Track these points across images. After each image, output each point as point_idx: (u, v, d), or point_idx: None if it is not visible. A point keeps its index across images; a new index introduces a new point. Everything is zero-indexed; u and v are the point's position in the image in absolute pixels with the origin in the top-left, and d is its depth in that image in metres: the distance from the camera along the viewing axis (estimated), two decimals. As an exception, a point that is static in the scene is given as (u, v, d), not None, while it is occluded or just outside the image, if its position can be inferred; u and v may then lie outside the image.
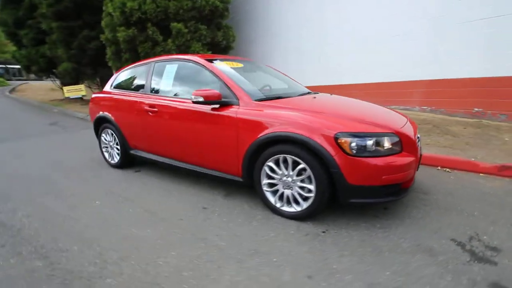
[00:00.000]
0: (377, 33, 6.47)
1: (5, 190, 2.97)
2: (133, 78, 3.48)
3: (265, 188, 2.28)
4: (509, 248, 1.76)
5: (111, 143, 3.60)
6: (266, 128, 2.14)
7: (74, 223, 2.23)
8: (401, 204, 2.37)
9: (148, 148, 3.15)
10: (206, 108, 2.51)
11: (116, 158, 3.58)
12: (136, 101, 3.11)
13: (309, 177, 2.04)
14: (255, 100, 2.34)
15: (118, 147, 3.49)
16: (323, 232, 2.01)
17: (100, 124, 3.69)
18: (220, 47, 9.25)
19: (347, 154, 1.89)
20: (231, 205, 2.48)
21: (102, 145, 3.76)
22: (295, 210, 2.16)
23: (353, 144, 1.89)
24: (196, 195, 2.73)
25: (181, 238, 1.98)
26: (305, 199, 2.11)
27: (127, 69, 3.61)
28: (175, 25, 7.49)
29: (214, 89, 2.39)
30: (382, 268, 1.61)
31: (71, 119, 8.19)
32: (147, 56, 7.70)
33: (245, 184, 2.43)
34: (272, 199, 2.27)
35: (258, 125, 2.20)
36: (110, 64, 8.75)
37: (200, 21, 8.28)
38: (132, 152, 3.37)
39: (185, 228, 2.12)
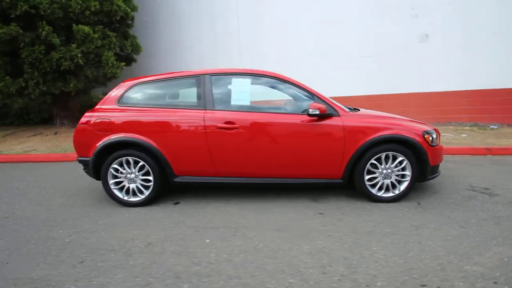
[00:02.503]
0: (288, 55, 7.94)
1: None
2: (168, 93, 2.88)
3: (367, 183, 2.75)
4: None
5: (133, 175, 2.76)
6: (377, 132, 2.65)
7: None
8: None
9: (211, 170, 2.74)
10: (296, 119, 2.68)
11: (144, 193, 2.79)
12: (201, 119, 2.66)
13: (403, 167, 2.72)
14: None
15: (150, 177, 2.75)
16: (418, 204, 2.75)
17: (109, 153, 2.73)
18: (127, 58, 8.11)
19: (429, 145, 2.74)
20: (336, 205, 2.73)
21: (112, 180, 2.78)
22: (393, 194, 2.77)
23: (430, 138, 2.76)
24: (290, 205, 2.74)
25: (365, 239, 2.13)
26: (399, 182, 2.77)
27: (147, 82, 2.90)
28: (81, 28, 6.06)
29: (318, 103, 2.63)
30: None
31: None
32: (36, 62, 5.69)
33: (343, 184, 2.78)
34: (373, 190, 2.76)
35: (365, 131, 2.66)
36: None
37: (107, 27, 7.02)
38: (177, 180, 2.77)
39: (346, 231, 2.24)
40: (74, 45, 6.03)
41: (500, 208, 2.59)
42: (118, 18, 6.94)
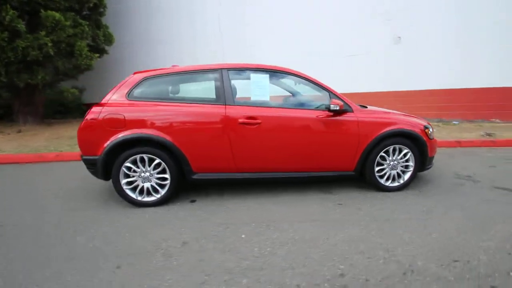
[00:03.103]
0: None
1: None
2: (183, 87, 2.77)
3: (377, 174, 2.95)
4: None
5: (147, 173, 2.62)
6: (386, 126, 2.85)
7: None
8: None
9: (231, 166, 2.71)
10: (314, 114, 2.79)
11: (160, 192, 2.67)
12: (223, 114, 2.62)
13: (407, 159, 2.98)
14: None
15: (166, 175, 2.64)
16: (420, 192, 3.03)
17: (122, 150, 2.55)
18: (98, 49, 7.53)
19: (428, 138, 3.03)
20: (350, 196, 2.89)
21: (124, 180, 2.61)
22: (398, 184, 3.02)
23: (429, 132, 3.05)
24: (307, 198, 2.84)
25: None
26: (403, 172, 3.02)
27: (160, 75, 2.75)
28: (51, 14, 5.52)
29: (336, 99, 2.75)
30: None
31: None
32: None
33: (355, 176, 2.95)
34: (381, 180, 2.98)
35: (376, 125, 2.86)
36: None
37: (78, 14, 6.44)
38: (195, 177, 2.70)
39: (368, 219, 2.39)
40: (43, 33, 5.41)
41: (486, 192, 2.97)
42: (91, 5, 6.37)
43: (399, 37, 7.03)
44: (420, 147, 2.98)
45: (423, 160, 3.03)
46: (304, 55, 7.83)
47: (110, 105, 2.61)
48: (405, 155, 2.97)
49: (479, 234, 2.13)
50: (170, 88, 2.81)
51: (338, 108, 2.65)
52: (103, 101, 2.67)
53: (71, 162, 4.53)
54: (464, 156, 4.59)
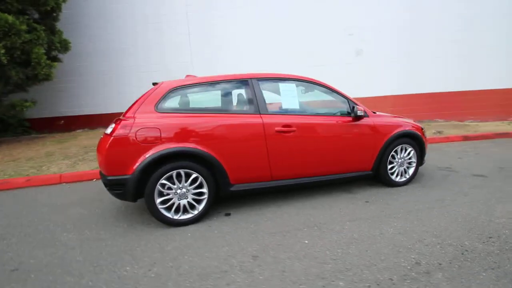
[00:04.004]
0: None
1: None
2: (213, 97, 2.67)
3: (390, 172, 3.27)
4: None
5: (184, 189, 2.45)
6: (396, 128, 3.20)
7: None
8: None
9: (267, 175, 2.71)
10: (338, 120, 3.01)
11: (197, 208, 2.51)
12: (260, 123, 2.61)
13: (411, 156, 3.37)
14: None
15: (203, 189, 2.51)
16: (421, 184, 3.45)
17: (156, 167, 2.34)
18: (50, 57, 6.68)
19: (424, 136, 3.48)
20: (369, 193, 3.14)
21: (159, 199, 2.38)
22: (405, 179, 3.39)
23: (424, 131, 3.52)
24: (335, 199, 3.00)
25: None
26: (408, 168, 3.41)
27: (189, 86, 2.62)
28: (3, 17, 4.76)
29: (359, 106, 3.00)
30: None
31: None
32: None
33: (372, 175, 3.23)
34: (393, 177, 3.31)
35: (388, 128, 3.19)
36: None
37: (31, 18, 5.67)
38: (233, 189, 2.62)
39: (400, 212, 2.64)
40: (-8, 38, 4.58)
41: (470, 180, 3.54)
42: (48, 8, 5.63)
43: (361, 49, 7.88)
44: (420, 145, 3.41)
45: (422, 155, 3.48)
46: (277, 65, 8.17)
47: (141, 118, 2.39)
48: (409, 153, 3.37)
49: (489, 214, 2.56)
50: (199, 98, 2.71)
51: (362, 113, 2.90)
52: (128, 114, 2.43)
53: (47, 187, 3.91)
54: (432, 151, 5.34)
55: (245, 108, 2.71)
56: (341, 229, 2.37)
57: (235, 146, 2.59)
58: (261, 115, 2.68)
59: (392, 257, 1.94)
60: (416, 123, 3.56)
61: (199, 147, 2.45)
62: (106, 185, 2.43)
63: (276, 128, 2.68)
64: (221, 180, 2.57)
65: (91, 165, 4.64)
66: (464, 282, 1.66)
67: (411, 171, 3.43)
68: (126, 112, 2.49)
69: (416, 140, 3.39)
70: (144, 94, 2.55)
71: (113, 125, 2.40)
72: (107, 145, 2.30)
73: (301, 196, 3.13)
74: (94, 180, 4.17)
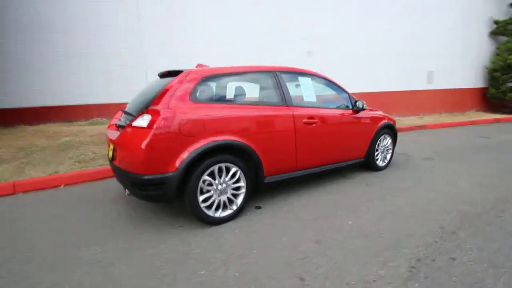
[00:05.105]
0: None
1: None
2: (240, 88, 2.58)
3: (375, 158, 3.79)
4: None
5: (224, 185, 2.33)
6: (381, 120, 3.72)
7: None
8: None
9: (293, 165, 2.80)
10: (344, 112, 3.34)
11: (236, 203, 2.42)
12: (290, 115, 2.68)
13: (389, 144, 3.98)
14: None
15: (240, 184, 2.43)
16: (398, 168, 4.11)
17: (203, 160, 2.15)
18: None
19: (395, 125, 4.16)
20: (362, 177, 3.58)
21: (202, 197, 2.19)
22: (384, 164, 3.97)
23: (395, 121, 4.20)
24: (341, 185, 3.33)
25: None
26: (387, 154, 4.01)
27: (219, 75, 2.45)
28: None
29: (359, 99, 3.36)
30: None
31: None
32: None
33: (364, 162, 3.68)
34: (377, 162, 3.84)
35: (377, 120, 3.70)
36: None
37: None
38: (266, 181, 2.62)
39: (402, 189, 3.11)
40: None
41: (425, 162, 4.39)
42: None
43: (311, 51, 8.55)
44: (395, 134, 4.07)
45: (395, 143, 4.15)
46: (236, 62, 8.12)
47: (181, 109, 2.14)
48: (387, 141, 3.97)
49: (485, 186, 3.21)
50: (229, 88, 2.57)
51: (364, 107, 3.28)
52: (160, 105, 2.14)
53: (36, 193, 3.05)
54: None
55: (275, 99, 2.72)
56: (366, 209, 2.67)
57: (270, 137, 2.59)
58: (288, 107, 2.75)
59: (420, 225, 2.33)
60: (390, 116, 4.22)
61: (240, 140, 2.36)
62: (139, 186, 2.09)
63: (304, 120, 2.80)
64: (258, 173, 2.54)
65: (46, 169, 3.78)
66: (484, 233, 2.16)
67: (388, 156, 4.05)
68: (155, 102, 2.19)
69: (392, 130, 4.02)
70: (172, 82, 2.28)
71: (147, 117, 2.07)
72: (148, 139, 1.99)
73: (311, 185, 3.33)
74: (62, 186, 3.43)
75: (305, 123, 2.82)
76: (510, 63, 9.56)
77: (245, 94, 2.77)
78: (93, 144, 5.12)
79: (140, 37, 7.67)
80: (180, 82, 2.29)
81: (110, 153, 2.50)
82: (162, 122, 2.04)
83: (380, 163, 3.90)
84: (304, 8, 8.79)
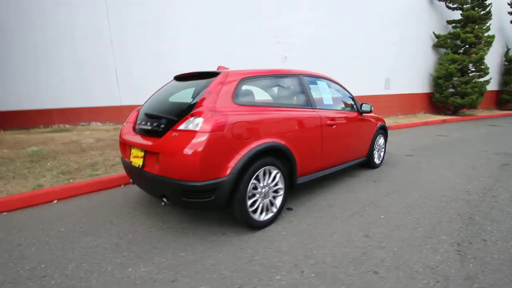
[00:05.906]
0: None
1: None
2: (274, 91, 2.55)
3: (374, 156, 4.09)
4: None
5: (266, 188, 2.29)
6: (378, 121, 4.02)
7: None
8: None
9: (318, 165, 2.88)
10: (355, 115, 3.55)
11: (276, 205, 2.40)
12: (318, 117, 2.76)
13: (382, 143, 4.32)
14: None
15: (280, 186, 2.42)
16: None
17: (253, 162, 2.09)
18: None
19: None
20: (367, 175, 3.83)
21: (250, 201, 2.13)
22: (379, 161, 4.30)
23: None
24: (351, 182, 3.52)
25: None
26: (381, 152, 4.35)
27: (255, 77, 2.41)
28: None
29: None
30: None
31: None
32: None
33: (366, 161, 3.94)
34: (374, 160, 4.14)
35: (375, 121, 3.99)
36: None
37: None
38: (299, 181, 2.65)
39: (408, 183, 3.39)
40: None
41: (409, 159, 4.87)
42: None
43: (286, 56, 8.83)
44: (386, 133, 4.43)
45: (386, 142, 4.52)
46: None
47: (230, 112, 2.05)
48: (382, 141, 4.32)
49: (479, 176, 3.70)
50: (263, 90, 2.54)
51: (371, 109, 3.53)
52: (206, 108, 2.03)
53: (25, 210, 2.53)
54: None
55: (302, 102, 2.77)
56: (389, 203, 2.87)
57: (304, 139, 2.63)
58: (315, 110, 2.83)
59: (442, 214, 2.60)
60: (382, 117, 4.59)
61: (283, 142, 2.35)
62: (189, 193, 1.93)
63: (328, 122, 2.90)
64: (293, 174, 2.55)
65: (25, 184, 3.25)
66: (492, 216, 2.49)
67: (381, 155, 4.40)
68: (198, 104, 2.07)
69: (385, 130, 4.38)
70: (212, 83, 2.18)
71: (198, 120, 1.94)
72: (204, 144, 1.86)
73: (324, 186, 3.44)
74: (55, 201, 2.98)
75: (329, 124, 2.93)
76: (451, 72, 11.13)
77: (277, 96, 2.77)
78: (71, 153, 4.56)
79: (104, 42, 7.08)
80: (222, 83, 2.20)
81: (139, 161, 2.27)
82: (216, 125, 1.94)
83: (376, 161, 4.22)
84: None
